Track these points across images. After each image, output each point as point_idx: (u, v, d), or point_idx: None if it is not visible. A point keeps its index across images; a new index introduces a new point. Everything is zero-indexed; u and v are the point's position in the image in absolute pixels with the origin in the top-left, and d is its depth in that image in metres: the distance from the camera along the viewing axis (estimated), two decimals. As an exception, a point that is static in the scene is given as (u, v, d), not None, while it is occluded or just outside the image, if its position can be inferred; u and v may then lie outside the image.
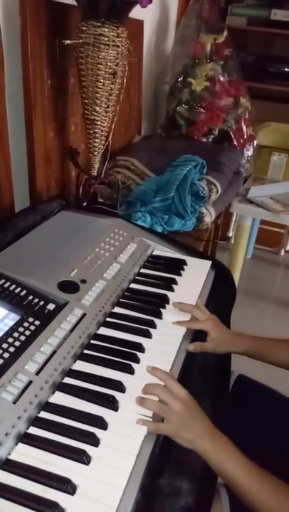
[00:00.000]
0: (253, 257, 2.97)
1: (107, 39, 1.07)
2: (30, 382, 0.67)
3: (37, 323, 0.77)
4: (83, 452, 0.60)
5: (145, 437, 0.64)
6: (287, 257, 3.02)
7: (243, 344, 0.92)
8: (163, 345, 0.83)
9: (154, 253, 1.16)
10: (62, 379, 0.72)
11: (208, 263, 1.13)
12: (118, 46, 1.09)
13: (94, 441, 0.62)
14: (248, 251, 2.84)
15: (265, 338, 0.94)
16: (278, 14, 2.46)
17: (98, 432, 0.63)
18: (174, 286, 1.02)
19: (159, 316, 0.91)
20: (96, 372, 0.74)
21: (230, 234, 2.95)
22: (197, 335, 0.90)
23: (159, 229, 1.32)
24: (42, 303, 0.82)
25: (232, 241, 2.74)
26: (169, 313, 0.92)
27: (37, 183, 1.23)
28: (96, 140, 1.23)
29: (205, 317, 0.91)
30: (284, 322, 2.38)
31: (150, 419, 0.66)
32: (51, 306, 0.82)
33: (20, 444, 0.61)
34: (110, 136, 1.26)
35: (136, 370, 0.75)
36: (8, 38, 1.04)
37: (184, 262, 1.12)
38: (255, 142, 2.13)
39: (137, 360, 0.78)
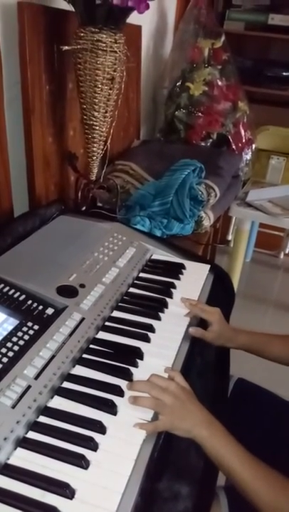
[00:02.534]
0: (252, 260, 2.97)
1: (104, 45, 1.08)
2: (28, 387, 0.67)
3: (36, 327, 0.77)
4: (82, 457, 0.60)
5: (144, 441, 0.64)
6: (287, 260, 3.02)
7: (240, 340, 0.94)
8: (161, 350, 0.83)
9: (152, 257, 1.16)
10: (61, 383, 0.72)
11: (207, 267, 1.13)
12: (116, 52, 1.10)
13: (92, 445, 0.62)
14: (247, 254, 2.84)
15: (260, 333, 0.97)
16: (276, 19, 2.48)
17: (97, 437, 0.63)
18: (172, 290, 1.02)
19: (158, 320, 0.91)
20: (95, 377, 0.74)
21: (230, 237, 2.96)
22: (197, 339, 0.91)
23: (157, 233, 1.33)
24: (41, 307, 0.82)
25: (231, 244, 2.75)
26: (168, 317, 0.92)
27: (36, 188, 1.23)
28: (94, 145, 1.24)
29: (212, 310, 0.93)
30: (283, 325, 2.37)
31: (146, 422, 0.66)
32: (50, 311, 0.82)
33: (19, 449, 0.61)
34: (109, 141, 1.27)
35: (134, 375, 0.75)
36: (6, 43, 1.05)
37: (182, 266, 1.12)
38: (254, 146, 2.14)
39: (135, 365, 0.78)
